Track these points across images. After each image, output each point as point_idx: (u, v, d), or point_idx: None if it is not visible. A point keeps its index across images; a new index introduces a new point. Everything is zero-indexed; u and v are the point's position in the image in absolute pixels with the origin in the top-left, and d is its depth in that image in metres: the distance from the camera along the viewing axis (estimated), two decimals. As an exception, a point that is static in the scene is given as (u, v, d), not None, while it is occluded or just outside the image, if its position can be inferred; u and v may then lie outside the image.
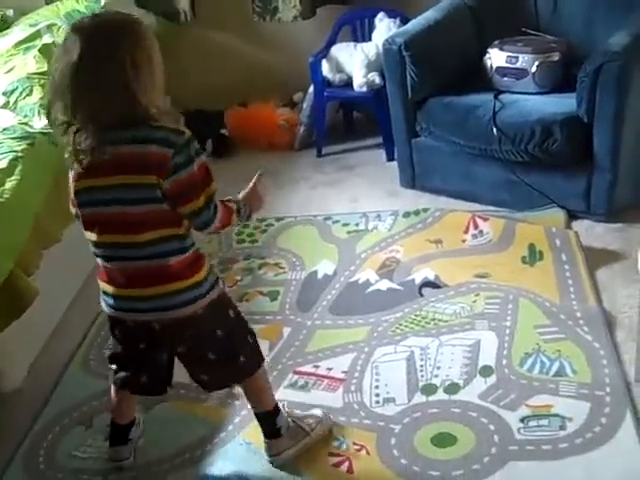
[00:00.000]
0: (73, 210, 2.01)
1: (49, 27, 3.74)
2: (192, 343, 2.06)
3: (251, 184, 2.14)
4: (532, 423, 2.27)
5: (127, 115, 1.82)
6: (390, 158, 3.91)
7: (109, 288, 2.01)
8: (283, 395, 2.46)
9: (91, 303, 2.99)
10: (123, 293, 2.00)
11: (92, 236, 1.96)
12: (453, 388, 2.44)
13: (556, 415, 2.28)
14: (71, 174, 1.93)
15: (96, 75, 1.78)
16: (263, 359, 2.22)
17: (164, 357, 2.13)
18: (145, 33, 1.87)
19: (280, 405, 2.29)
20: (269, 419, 2.24)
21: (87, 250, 3.11)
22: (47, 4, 4.23)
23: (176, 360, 2.15)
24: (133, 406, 2.34)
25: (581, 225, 3.20)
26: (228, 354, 2.10)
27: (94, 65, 1.78)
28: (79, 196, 1.94)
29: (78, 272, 3.16)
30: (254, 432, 2.30)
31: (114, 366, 2.20)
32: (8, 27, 4.08)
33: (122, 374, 2.18)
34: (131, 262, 1.94)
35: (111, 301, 2.03)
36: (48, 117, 1.88)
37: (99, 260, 2.00)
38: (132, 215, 1.88)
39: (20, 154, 2.82)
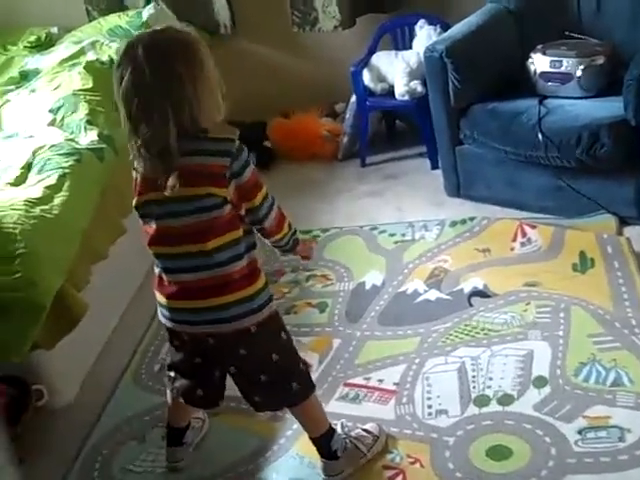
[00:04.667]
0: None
1: (93, 44, 3.78)
2: (245, 363, 2.07)
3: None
4: (590, 435, 2.22)
5: (185, 129, 1.84)
6: (434, 166, 3.88)
7: (164, 300, 2.02)
8: (334, 408, 2.45)
9: (141, 317, 3.05)
10: (177, 305, 2.01)
11: (157, 249, 1.97)
12: (507, 399, 2.40)
13: (614, 426, 2.23)
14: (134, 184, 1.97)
15: (154, 91, 1.81)
16: (314, 388, 2.20)
17: (217, 373, 2.14)
18: (202, 49, 1.88)
19: (335, 425, 2.28)
20: (323, 442, 2.22)
21: (134, 265, 3.19)
22: (90, 21, 4.30)
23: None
24: (187, 413, 2.36)
25: (633, 231, 3.13)
26: (281, 379, 2.10)
27: (152, 81, 1.80)
28: (141, 209, 1.96)
29: (126, 287, 3.20)
30: (307, 445, 2.28)
31: (172, 374, 2.21)
32: (53, 45, 4.15)
33: (178, 383, 2.20)
34: (193, 273, 1.95)
35: (167, 313, 2.04)
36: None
37: (158, 271, 2.01)
38: (195, 225, 1.90)
39: (68, 170, 2.86)
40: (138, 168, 1.92)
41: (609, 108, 3.10)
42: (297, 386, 2.12)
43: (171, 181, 1.85)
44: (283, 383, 2.10)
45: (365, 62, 4.05)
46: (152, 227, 1.95)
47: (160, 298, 2.04)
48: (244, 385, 2.13)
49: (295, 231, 2.14)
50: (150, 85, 1.80)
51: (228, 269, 1.94)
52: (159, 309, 2.07)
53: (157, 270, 2.02)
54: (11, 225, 2.51)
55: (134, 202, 1.97)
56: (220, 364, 2.11)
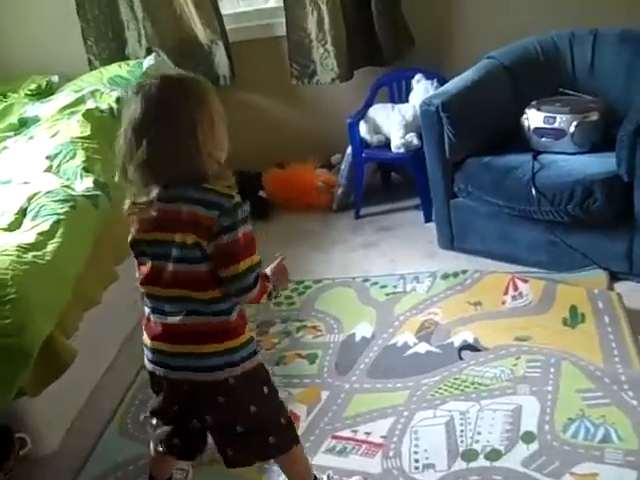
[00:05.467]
0: None
1: (93, 93, 3.83)
2: (220, 413, 2.03)
3: (275, 263, 2.13)
4: (577, 492, 2.20)
5: (184, 175, 1.85)
6: (428, 219, 3.90)
7: (148, 341, 2.02)
8: (321, 460, 2.43)
9: (129, 365, 3.03)
10: (158, 347, 2.00)
11: (148, 288, 1.97)
12: (494, 454, 2.38)
13: (602, 484, 2.21)
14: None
15: (156, 136, 1.81)
16: (297, 442, 2.16)
17: (195, 423, 2.10)
18: (208, 95, 1.89)
19: (322, 478, 2.25)
20: None
21: (125, 311, 3.18)
22: (91, 69, 4.36)
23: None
24: (169, 463, 2.33)
25: (624, 286, 3.14)
26: (257, 431, 2.05)
27: (155, 126, 1.81)
28: (134, 247, 1.98)
29: (116, 334, 3.19)
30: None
31: (154, 421, 2.18)
32: (53, 93, 4.19)
33: (159, 430, 2.16)
34: (180, 317, 1.93)
35: (150, 355, 2.03)
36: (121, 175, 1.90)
37: (147, 311, 2.01)
38: (177, 272, 1.89)
39: (62, 217, 2.86)
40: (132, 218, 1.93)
41: (602, 164, 3.13)
42: (274, 440, 2.08)
43: (155, 224, 1.87)
44: (259, 436, 2.06)
45: (362, 114, 4.09)
46: (147, 266, 1.95)
47: (145, 339, 2.04)
48: (218, 437, 2.09)
49: (272, 289, 2.04)
50: (152, 128, 1.81)
51: (214, 320, 1.93)
52: (144, 351, 2.06)
53: (147, 310, 2.02)
54: (2, 270, 2.51)
55: (129, 239, 1.97)
56: (196, 413, 2.07)
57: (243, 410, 2.02)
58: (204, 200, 1.85)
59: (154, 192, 1.86)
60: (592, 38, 3.60)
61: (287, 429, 2.13)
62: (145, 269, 1.96)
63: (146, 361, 2.07)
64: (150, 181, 1.86)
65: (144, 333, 2.04)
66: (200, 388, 1.99)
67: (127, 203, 1.94)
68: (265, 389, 2.07)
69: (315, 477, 2.22)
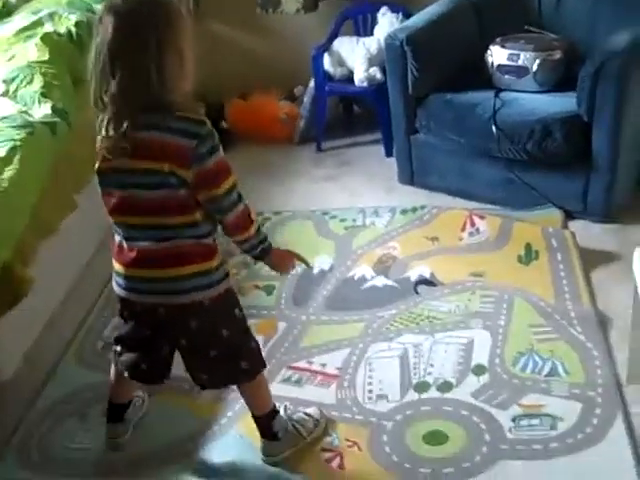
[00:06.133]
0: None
1: (51, 15, 3.71)
2: (195, 336, 2.06)
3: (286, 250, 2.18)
4: (523, 422, 2.28)
5: (152, 100, 1.82)
6: (389, 154, 3.91)
7: (121, 268, 2.02)
8: (277, 390, 2.46)
9: (87, 295, 3.04)
10: (134, 274, 2.00)
11: (119, 218, 1.97)
12: (446, 386, 2.45)
13: (548, 415, 2.29)
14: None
15: (123, 57, 1.78)
16: (264, 366, 2.21)
17: (166, 347, 2.14)
18: (178, 18, 1.85)
19: (279, 407, 2.30)
20: (265, 422, 2.25)
21: (84, 241, 3.17)
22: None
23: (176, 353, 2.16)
24: (130, 389, 2.37)
25: (578, 225, 3.20)
26: (230, 355, 2.10)
27: (122, 47, 1.78)
28: (102, 177, 1.95)
29: (75, 263, 3.18)
30: (248, 427, 2.30)
31: (118, 347, 2.21)
32: (10, 14, 4.07)
33: (124, 357, 2.19)
34: (151, 243, 1.95)
35: (122, 281, 2.04)
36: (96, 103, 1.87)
37: (118, 239, 2.01)
38: (153, 200, 1.89)
39: (19, 143, 2.81)
40: (102, 131, 1.89)
41: (563, 103, 3.15)
42: (246, 365, 2.13)
43: (126, 151, 1.84)
44: (232, 360, 2.11)
45: (326, 47, 4.05)
46: (114, 196, 1.94)
47: (118, 267, 2.03)
48: (191, 360, 2.13)
49: (264, 238, 2.08)
50: (119, 49, 1.78)
51: (187, 244, 1.94)
52: (115, 278, 2.06)
53: (117, 238, 2.02)
54: (-43, 197, 2.48)
55: (96, 167, 1.95)
56: (170, 337, 2.10)
57: (216, 333, 2.06)
58: (179, 128, 1.84)
59: (125, 121, 1.83)
60: (559, -25, 3.59)
61: (257, 353, 2.18)
62: (113, 199, 1.94)
63: (117, 288, 2.07)
64: (122, 109, 1.82)
65: (115, 262, 2.04)
66: (176, 311, 2.02)
67: (99, 138, 1.90)
68: (237, 311, 2.11)
69: (274, 405, 2.27)
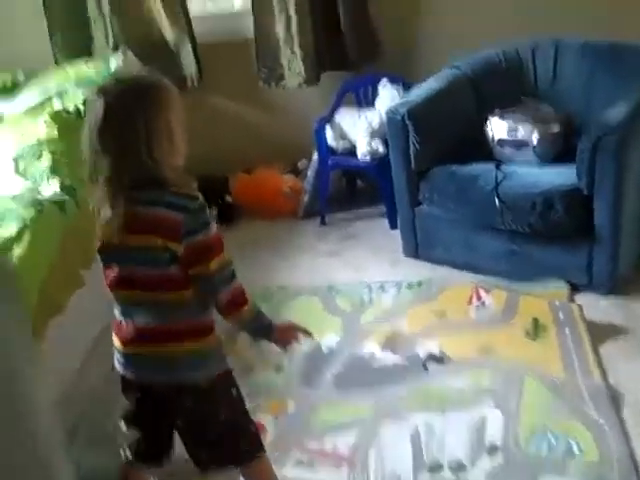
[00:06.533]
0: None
1: (59, 93, 3.77)
2: (192, 417, 2.04)
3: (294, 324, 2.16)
4: (540, 504, 2.26)
5: (143, 177, 1.85)
6: (393, 226, 3.93)
7: (120, 346, 2.02)
8: (287, 472, 2.44)
9: (95, 371, 3.01)
10: (130, 351, 2.00)
11: (117, 292, 1.98)
12: (459, 467, 2.42)
13: (565, 496, 2.27)
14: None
15: (113, 138, 1.83)
16: (264, 450, 2.17)
17: (164, 427, 2.11)
18: (167, 98, 1.89)
19: None
20: None
21: (90, 320, 3.14)
22: (56, 63, 4.30)
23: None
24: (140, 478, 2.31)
25: (584, 298, 3.20)
26: (229, 437, 2.07)
27: (113, 128, 1.83)
28: (103, 254, 1.98)
29: (82, 342, 3.15)
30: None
31: (124, 427, 2.16)
32: (17, 90, 4.12)
33: (129, 435, 2.15)
34: (147, 319, 1.95)
35: (121, 358, 2.03)
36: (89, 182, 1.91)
37: (118, 315, 2.01)
38: (149, 276, 1.91)
39: (29, 222, 2.84)
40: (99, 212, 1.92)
41: (563, 175, 3.18)
42: (245, 447, 2.10)
43: (121, 228, 1.87)
44: (230, 442, 2.08)
45: (328, 119, 4.10)
46: (114, 270, 1.96)
47: (117, 343, 2.03)
48: (189, 441, 2.10)
49: (261, 316, 2.03)
50: (110, 130, 1.82)
51: (182, 321, 1.95)
52: (115, 355, 2.06)
53: (117, 314, 2.02)
54: (-33, 277, 2.48)
55: (97, 245, 1.97)
56: (167, 415, 2.07)
57: (213, 416, 2.04)
58: (171, 202, 1.87)
59: (120, 200, 1.86)
60: (554, 49, 3.67)
61: (256, 437, 2.16)
62: (112, 273, 1.96)
63: (117, 365, 2.06)
64: (116, 189, 1.86)
65: (115, 337, 2.04)
66: (171, 390, 2.00)
67: (102, 218, 1.92)
68: (234, 392, 2.09)
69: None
